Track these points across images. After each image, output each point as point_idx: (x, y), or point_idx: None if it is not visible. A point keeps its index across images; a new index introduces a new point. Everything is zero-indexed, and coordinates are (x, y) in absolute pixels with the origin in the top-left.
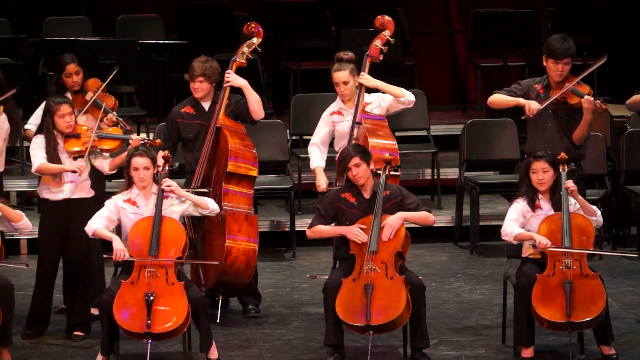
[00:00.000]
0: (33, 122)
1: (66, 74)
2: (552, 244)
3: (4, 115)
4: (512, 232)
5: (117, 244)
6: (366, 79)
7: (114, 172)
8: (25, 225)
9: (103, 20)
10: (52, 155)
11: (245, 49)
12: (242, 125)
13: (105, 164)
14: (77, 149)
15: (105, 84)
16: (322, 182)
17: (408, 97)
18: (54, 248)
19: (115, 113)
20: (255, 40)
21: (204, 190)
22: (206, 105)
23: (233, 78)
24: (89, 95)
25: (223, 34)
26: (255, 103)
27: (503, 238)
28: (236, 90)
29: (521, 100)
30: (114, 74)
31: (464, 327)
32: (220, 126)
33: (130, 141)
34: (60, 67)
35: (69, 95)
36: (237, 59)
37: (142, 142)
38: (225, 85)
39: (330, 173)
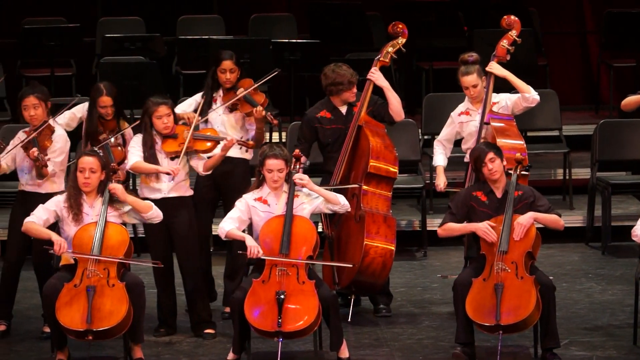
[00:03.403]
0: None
1: (221, 69)
2: None
3: (129, 129)
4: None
5: (250, 241)
6: (496, 67)
7: (209, 172)
8: (155, 214)
9: (236, 18)
10: (149, 155)
11: (390, 48)
12: (382, 125)
13: (200, 165)
14: (173, 149)
15: (259, 83)
16: (440, 182)
17: (533, 94)
18: (161, 246)
19: (263, 108)
20: (400, 40)
21: (353, 186)
22: (343, 109)
23: (377, 76)
24: (239, 91)
25: (355, 34)
26: (396, 104)
27: (633, 238)
28: (374, 91)
29: None
30: (273, 74)
31: (595, 328)
32: (361, 125)
33: (225, 142)
34: (217, 61)
35: (221, 92)
36: (382, 58)
37: (236, 142)
38: (368, 82)
39: (455, 173)
